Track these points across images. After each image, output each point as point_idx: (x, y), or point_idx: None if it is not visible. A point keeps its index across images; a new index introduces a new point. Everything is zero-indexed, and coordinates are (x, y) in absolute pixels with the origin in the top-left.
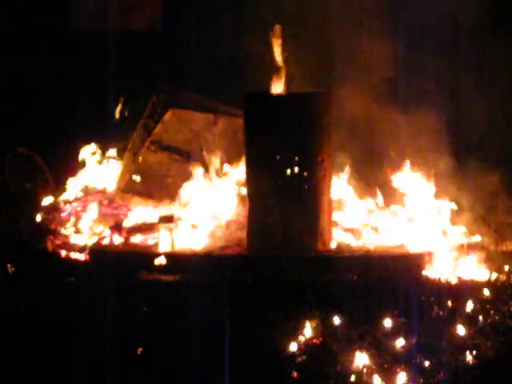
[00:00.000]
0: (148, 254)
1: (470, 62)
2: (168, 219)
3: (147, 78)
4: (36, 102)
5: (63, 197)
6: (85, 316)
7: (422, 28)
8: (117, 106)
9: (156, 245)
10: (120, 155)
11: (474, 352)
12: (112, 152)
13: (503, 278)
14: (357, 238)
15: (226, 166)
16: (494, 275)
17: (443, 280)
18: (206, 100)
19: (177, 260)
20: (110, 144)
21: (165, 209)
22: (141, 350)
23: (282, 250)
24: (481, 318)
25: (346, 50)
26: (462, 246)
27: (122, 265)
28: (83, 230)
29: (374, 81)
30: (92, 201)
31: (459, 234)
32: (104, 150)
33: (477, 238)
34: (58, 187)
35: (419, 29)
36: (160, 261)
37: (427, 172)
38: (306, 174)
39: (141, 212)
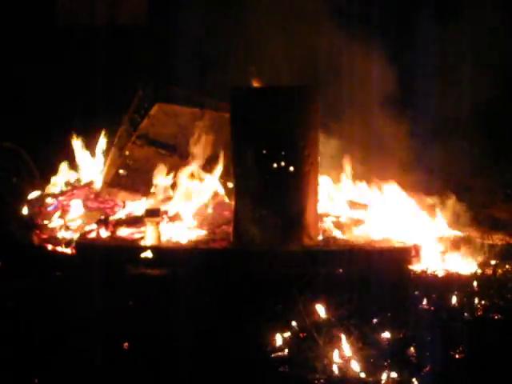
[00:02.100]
0: (134, 247)
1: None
2: (154, 213)
3: (133, 72)
4: (21, 97)
5: (49, 191)
6: (71, 310)
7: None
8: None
9: (142, 238)
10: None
11: (461, 345)
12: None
13: (489, 271)
14: (343, 232)
15: (213, 160)
16: (480, 269)
17: (430, 273)
18: (193, 94)
19: (163, 254)
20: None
21: (151, 202)
22: (127, 344)
23: (268, 244)
24: (467, 311)
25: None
26: (448, 239)
27: (108, 258)
28: (69, 224)
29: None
30: (78, 195)
31: (445, 227)
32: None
33: (463, 232)
34: (44, 181)
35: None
36: (146, 254)
37: (413, 165)
38: (292, 168)
39: (127, 206)
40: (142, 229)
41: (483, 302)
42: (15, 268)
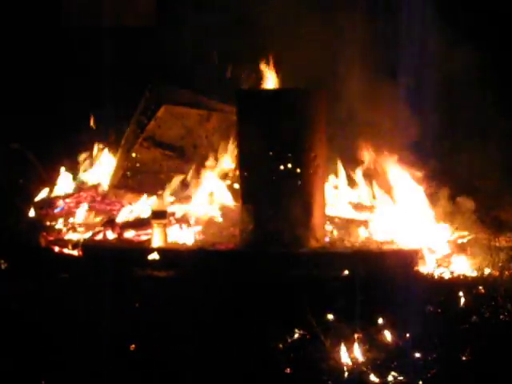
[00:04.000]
0: (141, 249)
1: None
2: (161, 215)
3: (140, 73)
4: (28, 99)
5: (56, 192)
6: (78, 312)
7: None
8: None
9: (149, 240)
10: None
11: (467, 347)
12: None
13: (496, 273)
14: (350, 234)
15: (219, 162)
16: (487, 271)
17: (436, 276)
18: (199, 96)
19: (169, 255)
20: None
21: (157, 204)
22: (133, 346)
23: (274, 245)
24: (474, 313)
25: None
26: (454, 241)
27: (115, 260)
28: (76, 226)
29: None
30: (85, 197)
31: (452, 229)
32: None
33: (470, 234)
34: (51, 183)
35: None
36: (153, 256)
37: (419, 167)
38: (298, 170)
39: (134, 208)
40: (149, 231)
41: (490, 304)
42: (22, 269)
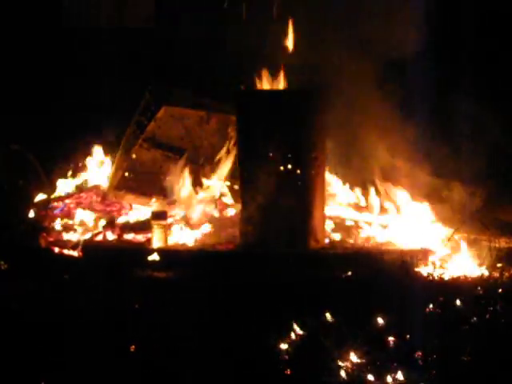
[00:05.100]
0: (141, 250)
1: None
2: (161, 216)
3: (140, 73)
4: (28, 99)
5: (56, 194)
6: (78, 312)
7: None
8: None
9: (149, 241)
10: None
11: (467, 349)
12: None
13: (496, 274)
14: (350, 235)
15: (219, 163)
16: (487, 272)
17: (436, 276)
18: (200, 97)
19: (169, 256)
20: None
21: (157, 205)
22: (133, 347)
23: (274, 247)
24: (473, 314)
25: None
26: (454, 242)
27: (114, 261)
28: (76, 227)
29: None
30: (85, 198)
31: (452, 230)
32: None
33: (470, 234)
34: (51, 184)
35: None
36: (153, 257)
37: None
38: (298, 171)
39: (134, 209)
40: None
41: (490, 305)
42: (22, 270)
